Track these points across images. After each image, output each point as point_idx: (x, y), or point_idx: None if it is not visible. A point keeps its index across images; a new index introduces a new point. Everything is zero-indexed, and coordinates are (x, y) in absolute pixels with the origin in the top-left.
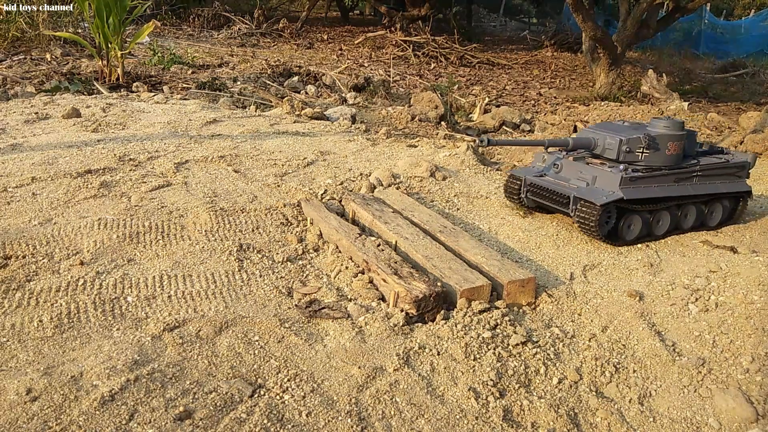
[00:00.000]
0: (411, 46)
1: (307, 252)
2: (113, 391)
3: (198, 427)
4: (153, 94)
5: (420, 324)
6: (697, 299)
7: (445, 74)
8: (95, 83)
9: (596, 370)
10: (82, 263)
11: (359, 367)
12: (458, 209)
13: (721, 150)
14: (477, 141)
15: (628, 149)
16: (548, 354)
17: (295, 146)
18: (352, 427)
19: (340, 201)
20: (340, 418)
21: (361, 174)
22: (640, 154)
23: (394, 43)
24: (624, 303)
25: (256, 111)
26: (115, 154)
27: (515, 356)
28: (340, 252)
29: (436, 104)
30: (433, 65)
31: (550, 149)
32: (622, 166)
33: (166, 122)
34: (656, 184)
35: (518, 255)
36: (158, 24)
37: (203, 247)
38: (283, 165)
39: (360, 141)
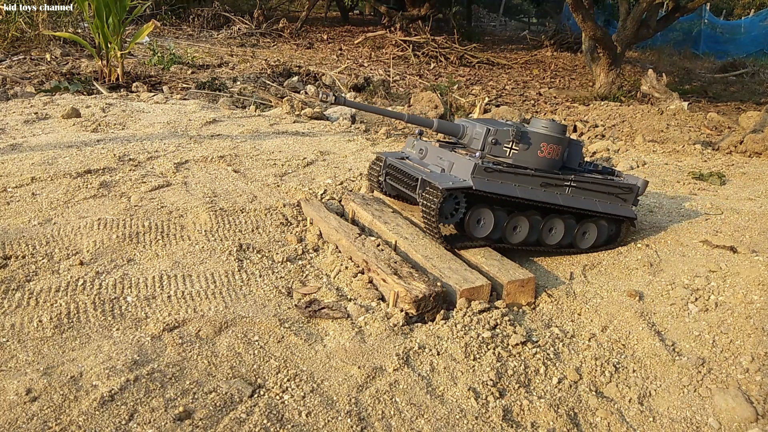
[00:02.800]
0: (411, 46)
1: (306, 252)
2: (113, 391)
3: (198, 427)
4: (153, 94)
5: (420, 324)
6: (696, 299)
7: (444, 74)
8: (95, 83)
9: (596, 370)
10: (81, 263)
11: (359, 367)
12: None
13: (612, 171)
14: (321, 95)
15: (494, 141)
16: (548, 354)
17: (294, 146)
18: (351, 427)
19: (340, 201)
20: (339, 418)
21: (361, 174)
22: (509, 149)
23: (393, 43)
24: (624, 303)
25: (255, 111)
26: (114, 154)
27: (515, 356)
28: (339, 252)
29: (435, 104)
30: (432, 65)
31: (440, 136)
32: (478, 154)
33: (165, 122)
34: (517, 183)
35: (518, 255)
36: (158, 24)
37: (203, 247)
38: (282, 165)
39: (360, 141)
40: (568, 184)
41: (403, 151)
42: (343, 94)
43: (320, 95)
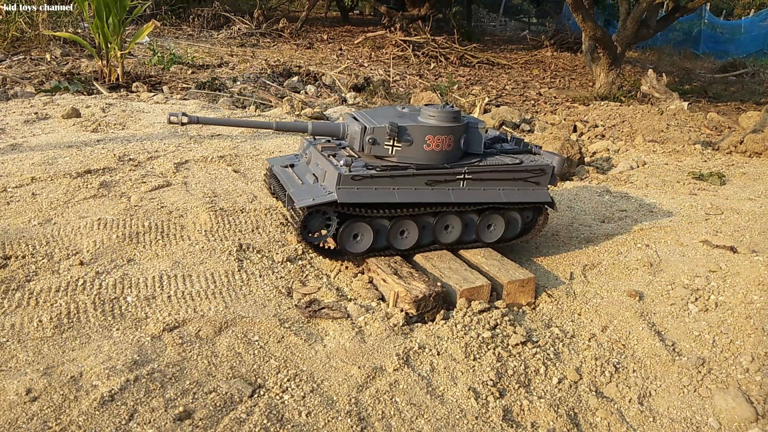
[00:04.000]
0: (411, 46)
1: (306, 252)
2: (113, 391)
3: (198, 427)
4: (153, 94)
5: (420, 324)
6: (696, 299)
7: (444, 74)
8: (95, 83)
9: (596, 370)
10: (81, 263)
11: (359, 367)
12: None
13: (528, 148)
14: (170, 116)
15: (372, 140)
16: (548, 354)
17: (295, 146)
18: (351, 427)
19: None
20: (339, 418)
21: None
22: (390, 147)
23: (393, 43)
24: (624, 303)
25: (255, 111)
26: (114, 154)
27: (515, 356)
28: None
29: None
30: (432, 65)
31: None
32: (342, 161)
33: (165, 122)
34: (396, 186)
35: (518, 255)
36: (158, 24)
37: (203, 247)
38: None
39: None
40: (462, 177)
41: (296, 155)
42: (344, 94)
43: (169, 116)
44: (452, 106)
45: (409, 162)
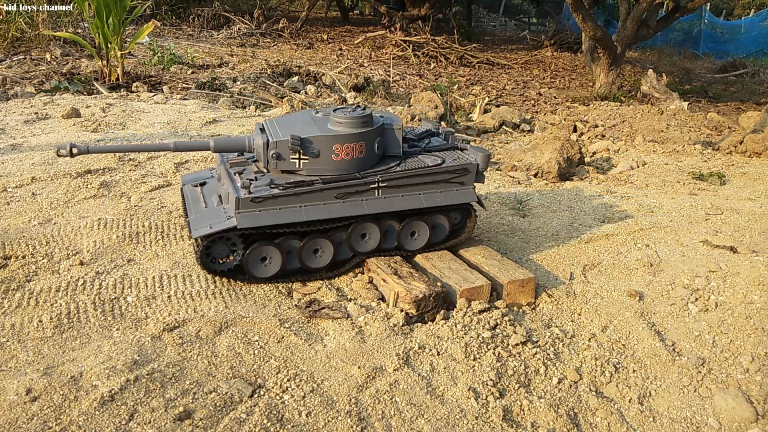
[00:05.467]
0: (411, 46)
1: None
2: (113, 391)
3: (198, 427)
4: (153, 94)
5: (420, 324)
6: (696, 299)
7: (444, 74)
8: (95, 83)
9: (596, 370)
10: (81, 263)
11: (359, 367)
12: None
13: (453, 144)
14: (58, 150)
15: (276, 155)
16: (548, 354)
17: None
18: (351, 427)
19: None
20: (340, 418)
21: None
22: (297, 161)
23: (394, 43)
24: (624, 303)
25: (255, 111)
26: (114, 154)
27: (515, 356)
28: None
29: (435, 104)
30: (433, 65)
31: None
32: (240, 183)
33: (165, 122)
34: (303, 203)
35: (518, 255)
36: (158, 24)
37: None
38: None
39: None
40: (375, 185)
41: (212, 170)
42: (344, 94)
43: (57, 149)
44: (363, 109)
45: (319, 174)
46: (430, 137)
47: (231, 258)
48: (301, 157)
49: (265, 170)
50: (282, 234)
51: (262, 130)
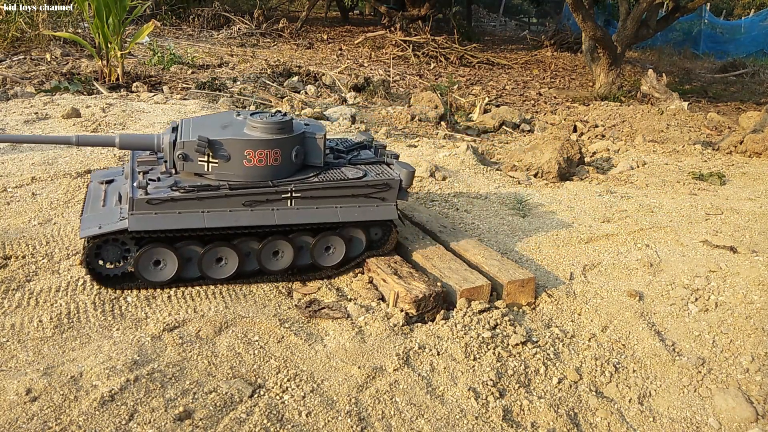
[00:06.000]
0: (411, 46)
1: None
2: (113, 391)
3: (198, 427)
4: (153, 94)
5: (420, 324)
6: (697, 299)
7: (444, 74)
8: (95, 83)
9: (596, 370)
10: (82, 263)
11: (359, 367)
12: (458, 209)
13: (381, 160)
14: None
15: (183, 156)
16: (548, 354)
17: None
18: (351, 427)
19: None
20: (339, 418)
21: None
22: (205, 164)
23: (394, 43)
24: (624, 303)
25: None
26: (114, 154)
27: (515, 356)
28: None
29: (435, 104)
30: (433, 65)
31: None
32: (137, 183)
33: (165, 122)
34: (206, 208)
35: (518, 255)
36: (158, 24)
37: None
38: None
39: None
40: (288, 195)
41: (124, 168)
42: (344, 94)
43: None
44: (284, 115)
45: (228, 180)
46: (360, 150)
47: (121, 263)
48: (210, 160)
49: (173, 171)
50: (182, 238)
51: (175, 129)
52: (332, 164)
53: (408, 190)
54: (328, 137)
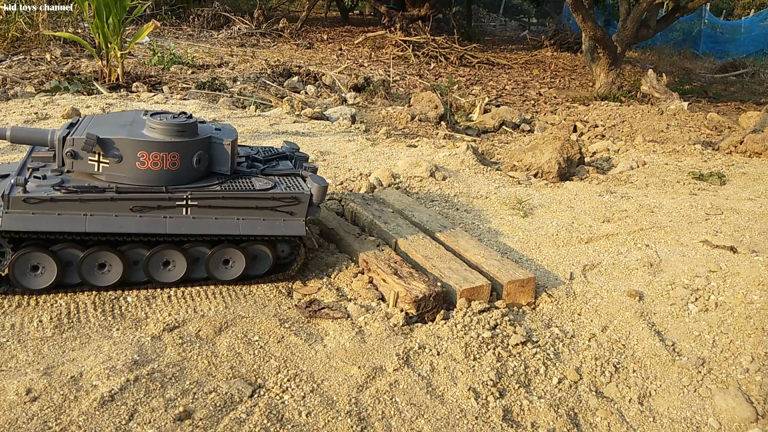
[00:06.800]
0: (411, 46)
1: (307, 252)
2: (113, 391)
3: (198, 427)
4: (153, 94)
5: (420, 324)
6: (696, 299)
7: (445, 74)
8: (95, 83)
9: (596, 370)
10: None
11: (359, 367)
12: (458, 209)
13: (297, 173)
14: None
15: (72, 153)
16: (548, 354)
17: (302, 145)
18: (351, 427)
19: (340, 201)
20: (339, 418)
21: (360, 174)
22: (96, 163)
23: (394, 43)
24: (624, 303)
25: (255, 111)
26: None
27: (515, 356)
28: (339, 252)
29: (435, 104)
30: (433, 65)
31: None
32: (14, 180)
33: None
34: (89, 211)
35: (518, 255)
36: (158, 24)
37: None
38: None
39: (360, 141)
40: (184, 203)
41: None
42: (344, 94)
43: None
44: (189, 117)
45: (120, 182)
46: (279, 160)
47: None
48: (101, 160)
49: (63, 170)
50: (60, 241)
51: (73, 124)
52: (242, 173)
53: (320, 205)
54: (250, 145)
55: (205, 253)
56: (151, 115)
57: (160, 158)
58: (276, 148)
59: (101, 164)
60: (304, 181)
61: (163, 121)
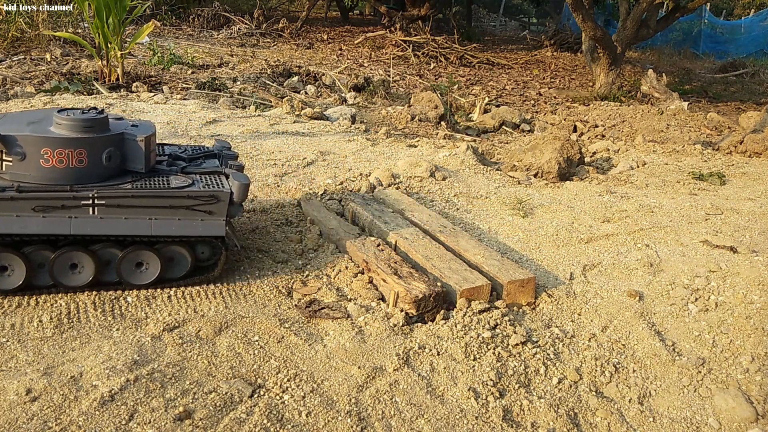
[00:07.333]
0: (411, 46)
1: (307, 252)
2: (113, 391)
3: (198, 427)
4: (153, 94)
5: (420, 324)
6: (697, 299)
7: (444, 74)
8: (95, 83)
9: (596, 370)
10: None
11: (359, 367)
12: (458, 209)
13: (220, 171)
14: None
15: None
16: (548, 354)
17: (294, 146)
18: (351, 427)
19: (340, 201)
20: (339, 418)
21: (360, 174)
22: None
23: (394, 43)
24: (624, 303)
25: (255, 111)
26: None
27: (515, 356)
28: (339, 252)
29: (435, 104)
30: (432, 65)
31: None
32: None
33: (165, 122)
34: None
35: (518, 255)
36: (158, 24)
37: None
38: (282, 165)
39: (360, 141)
40: (90, 202)
41: None
42: (344, 94)
43: None
44: (101, 112)
45: (25, 181)
46: (206, 158)
47: None
48: (4, 158)
49: None
50: None
51: None
52: (160, 171)
53: (242, 204)
54: (180, 144)
55: (116, 256)
56: (58, 111)
57: (65, 155)
58: (206, 147)
59: (4, 162)
60: (227, 179)
61: (70, 116)
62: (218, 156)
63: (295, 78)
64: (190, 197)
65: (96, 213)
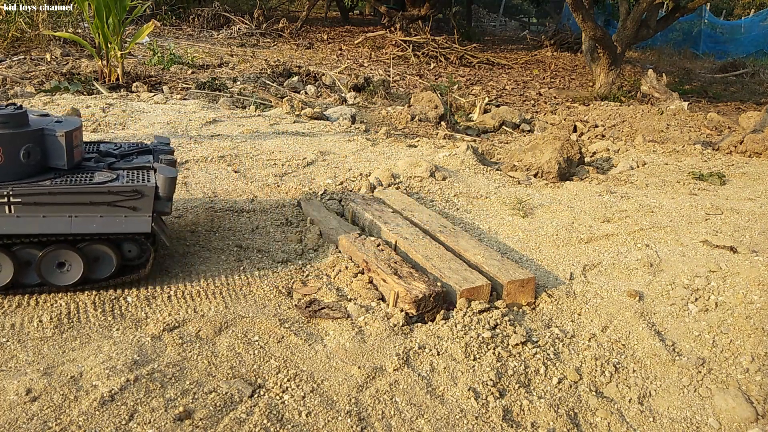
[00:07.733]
0: (411, 46)
1: (307, 252)
2: (113, 391)
3: (198, 427)
4: (153, 94)
5: (420, 324)
6: (697, 299)
7: (444, 74)
8: (95, 83)
9: (596, 370)
10: None
11: (359, 367)
12: (458, 209)
13: (149, 166)
14: None
15: None
16: (548, 354)
17: (294, 146)
18: (351, 427)
19: (340, 201)
20: (339, 418)
21: (360, 174)
22: None
23: (394, 43)
24: (624, 303)
25: (255, 111)
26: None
27: (515, 356)
28: (339, 252)
29: (435, 104)
30: (432, 65)
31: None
32: None
33: (165, 122)
34: None
35: (518, 255)
36: (158, 24)
37: (203, 246)
38: (282, 165)
39: (360, 141)
40: (5, 201)
41: None
42: (344, 94)
43: None
44: (19, 108)
45: None
46: (139, 154)
47: None
48: None
49: None
50: None
51: None
52: (85, 168)
53: (171, 199)
54: (115, 141)
55: (36, 256)
56: None
57: None
58: (142, 143)
59: None
60: (155, 173)
61: None
62: (153, 152)
63: (295, 78)
64: (111, 193)
65: (12, 211)
